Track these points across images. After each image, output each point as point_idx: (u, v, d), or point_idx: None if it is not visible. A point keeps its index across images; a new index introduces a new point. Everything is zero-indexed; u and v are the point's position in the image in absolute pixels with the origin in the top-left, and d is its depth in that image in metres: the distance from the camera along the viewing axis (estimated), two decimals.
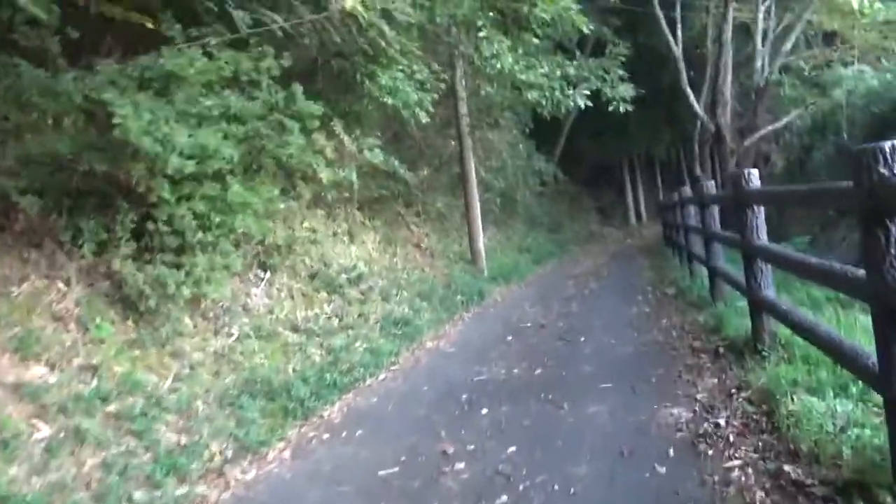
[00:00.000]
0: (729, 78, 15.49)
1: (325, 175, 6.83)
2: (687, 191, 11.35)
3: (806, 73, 16.35)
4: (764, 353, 4.56)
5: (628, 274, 12.14)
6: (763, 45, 16.63)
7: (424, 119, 8.63)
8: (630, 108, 12.15)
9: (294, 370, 5.94)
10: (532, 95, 10.98)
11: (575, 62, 12.08)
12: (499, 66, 9.48)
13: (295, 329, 6.77)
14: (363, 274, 8.68)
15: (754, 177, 4.74)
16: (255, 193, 5.80)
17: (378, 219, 10.66)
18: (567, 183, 27.80)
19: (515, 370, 5.93)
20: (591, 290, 10.88)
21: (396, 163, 9.07)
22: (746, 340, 5.07)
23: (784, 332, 4.49)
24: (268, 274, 7.12)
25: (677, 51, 16.75)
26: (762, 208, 4.66)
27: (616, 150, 29.21)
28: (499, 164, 15.81)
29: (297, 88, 6.20)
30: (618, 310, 8.44)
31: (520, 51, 9.95)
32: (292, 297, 7.33)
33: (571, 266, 15.39)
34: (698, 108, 16.36)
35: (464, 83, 12.38)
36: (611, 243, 24.39)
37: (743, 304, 5.66)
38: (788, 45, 16.22)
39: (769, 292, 4.64)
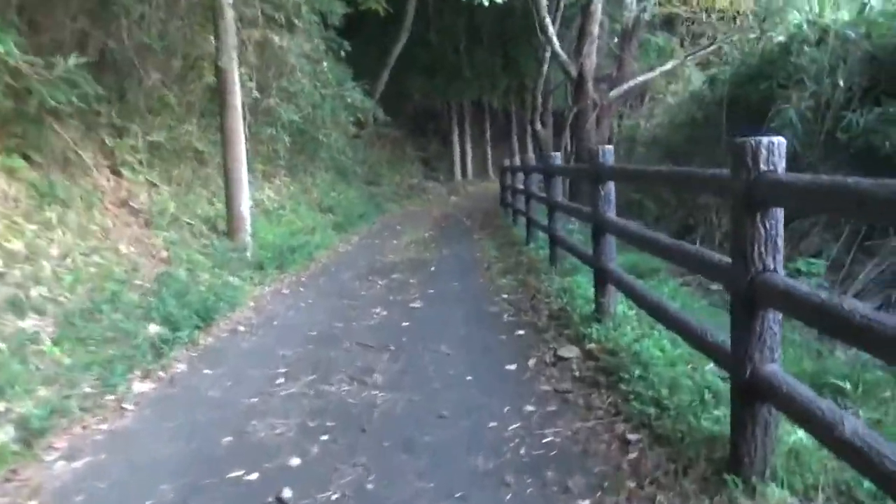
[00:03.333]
0: (600, 6, 11.77)
1: None
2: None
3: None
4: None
5: (467, 268, 8.00)
6: None
7: None
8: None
9: None
10: None
11: None
12: None
13: None
14: None
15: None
16: None
17: (16, 152, 5.47)
18: (390, 127, 23.41)
19: None
20: (416, 309, 6.58)
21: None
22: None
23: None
24: None
25: None
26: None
27: (446, 93, 25.16)
28: (293, 86, 10.86)
29: None
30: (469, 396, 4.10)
31: None
32: None
33: (386, 240, 11.06)
34: (558, 46, 12.59)
35: None
36: (435, 203, 20.42)
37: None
38: None
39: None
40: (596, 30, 11.98)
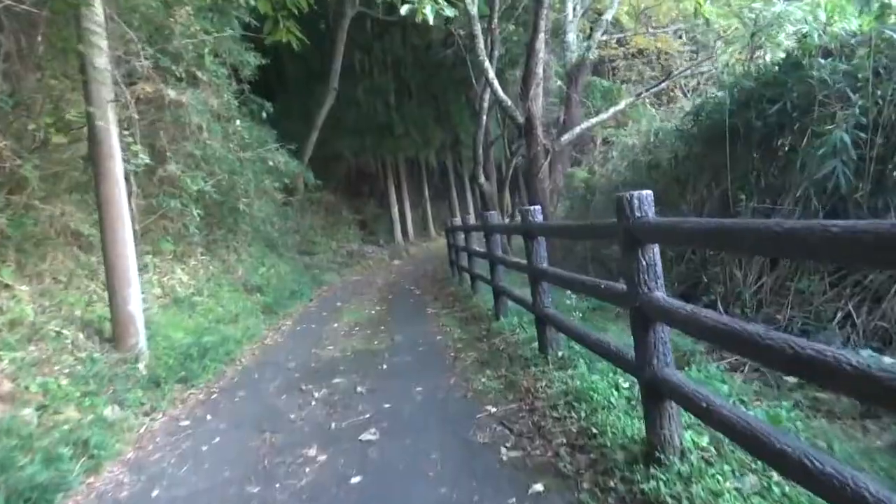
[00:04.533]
0: (543, 47, 10.58)
1: None
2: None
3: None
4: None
5: (430, 361, 6.22)
6: (574, 13, 12.15)
7: None
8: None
9: None
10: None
11: None
12: None
13: None
14: None
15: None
16: None
17: None
18: (322, 191, 21.75)
19: None
20: (368, 446, 4.77)
21: None
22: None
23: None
24: None
25: (473, 9, 11.41)
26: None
27: (379, 152, 23.79)
28: (200, 150, 9.09)
29: None
30: None
31: None
32: None
33: (325, 322, 9.20)
34: (501, 91, 11.30)
35: None
36: (377, 269, 18.67)
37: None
38: (609, 16, 11.83)
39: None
40: (541, 70, 10.77)
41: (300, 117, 20.74)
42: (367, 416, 4.37)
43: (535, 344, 5.44)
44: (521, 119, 11.07)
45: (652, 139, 9.36)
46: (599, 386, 3.96)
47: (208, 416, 4.88)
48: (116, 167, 6.17)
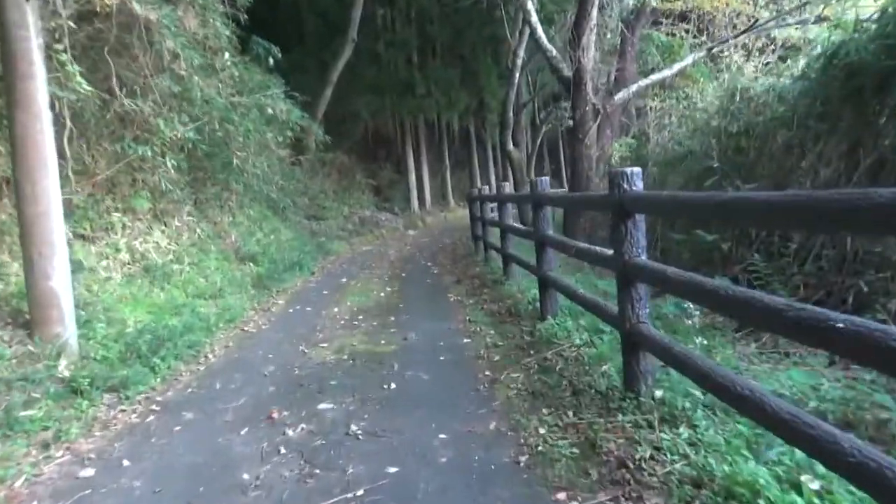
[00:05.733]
0: None
1: None
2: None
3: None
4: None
5: (456, 379, 4.51)
6: None
7: None
8: None
9: None
10: None
11: None
12: None
13: None
14: None
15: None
16: None
17: None
18: (335, 151, 19.99)
19: None
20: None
21: None
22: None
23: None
24: None
25: None
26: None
27: (398, 113, 21.88)
28: (180, 88, 7.30)
29: None
30: None
31: None
32: None
33: (323, 304, 7.50)
34: (544, 38, 9.36)
35: None
36: (391, 240, 16.98)
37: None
38: None
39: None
40: (595, 12, 8.86)
41: (316, 71, 18.88)
42: (360, 492, 2.67)
43: (609, 366, 3.73)
44: (567, 72, 9.19)
45: (736, 99, 7.46)
46: (760, 476, 2.24)
47: (125, 462, 3.21)
48: (38, 92, 4.44)
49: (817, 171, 4.87)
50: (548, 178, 5.60)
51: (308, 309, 7.19)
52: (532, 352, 4.45)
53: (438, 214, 23.94)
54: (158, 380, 4.57)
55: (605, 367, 3.79)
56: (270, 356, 5.13)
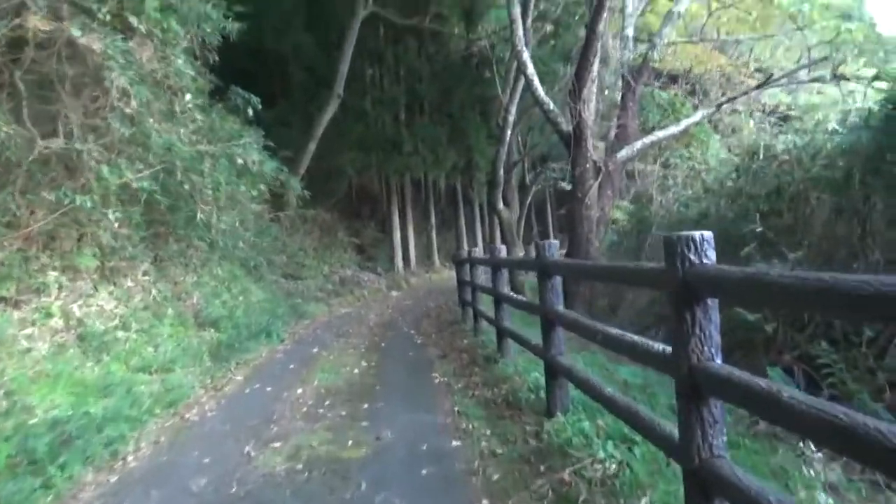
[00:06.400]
0: (599, 44, 7.94)
1: None
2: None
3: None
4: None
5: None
6: (635, 5, 9.62)
7: None
8: None
9: None
10: None
11: None
12: None
13: None
14: None
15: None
16: None
17: None
18: (318, 208, 19.15)
19: None
20: None
21: None
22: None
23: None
24: None
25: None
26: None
27: (384, 170, 21.20)
28: (130, 130, 6.35)
29: None
30: None
31: None
32: None
33: (287, 382, 6.38)
34: (541, 91, 8.66)
35: None
36: (373, 301, 15.94)
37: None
38: (681, 7, 9.27)
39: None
40: (597, 64, 8.18)
41: (300, 125, 18.22)
42: None
43: (648, 499, 2.70)
44: (567, 127, 8.43)
45: (758, 158, 6.66)
46: None
47: None
48: None
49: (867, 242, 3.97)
50: (556, 242, 4.47)
51: (268, 389, 6.07)
52: (542, 467, 3.40)
53: (423, 275, 22.96)
54: (50, 498, 3.44)
55: (645, 502, 2.76)
56: (207, 460, 4.01)
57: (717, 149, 10.19)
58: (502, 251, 7.64)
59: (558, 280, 4.35)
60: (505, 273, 6.88)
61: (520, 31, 8.81)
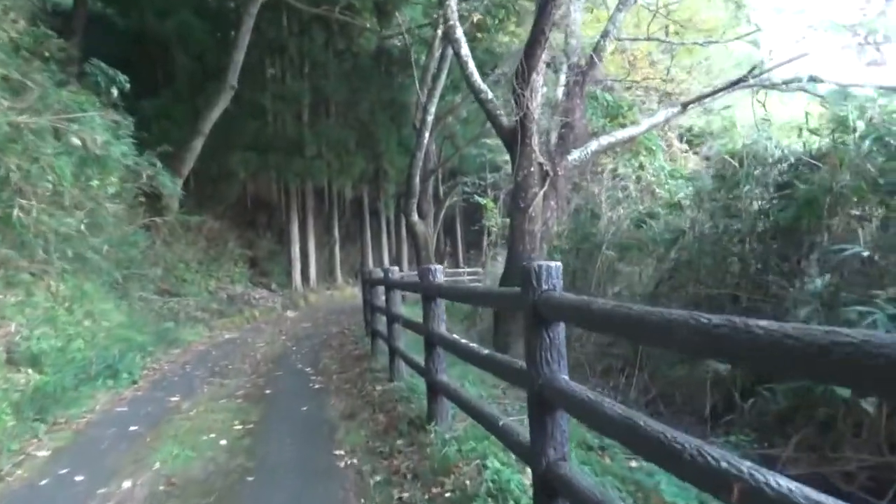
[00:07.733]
0: (555, 9, 6.42)
1: None
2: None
3: None
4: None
5: None
6: None
7: None
8: None
9: None
10: None
11: None
12: None
13: None
14: None
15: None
16: None
17: None
18: (206, 215, 16.68)
19: None
20: None
21: None
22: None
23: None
24: None
25: None
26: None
27: (283, 176, 18.93)
28: None
29: None
30: None
31: None
32: None
33: (118, 462, 4.29)
34: (478, 77, 6.99)
35: None
36: (264, 323, 13.68)
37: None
38: None
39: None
40: (545, 45, 6.62)
41: (185, 120, 15.70)
42: None
43: None
44: (508, 123, 6.80)
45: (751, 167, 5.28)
46: None
47: None
48: None
49: None
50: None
51: (77, 479, 3.91)
52: None
53: (324, 292, 20.77)
54: None
55: None
56: None
57: (662, 161, 8.93)
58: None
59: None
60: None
61: (452, 2, 7.16)
